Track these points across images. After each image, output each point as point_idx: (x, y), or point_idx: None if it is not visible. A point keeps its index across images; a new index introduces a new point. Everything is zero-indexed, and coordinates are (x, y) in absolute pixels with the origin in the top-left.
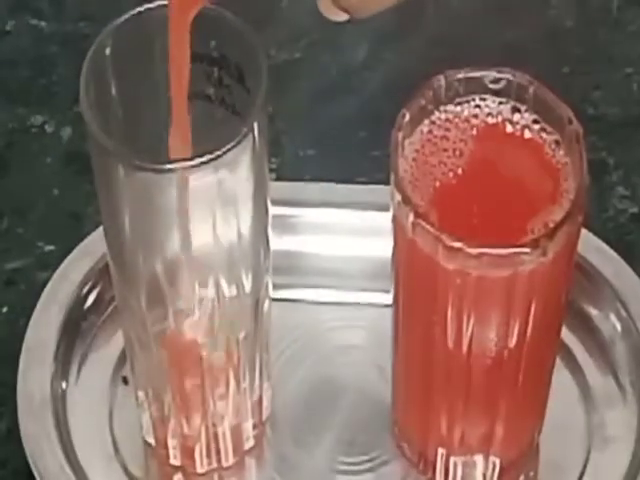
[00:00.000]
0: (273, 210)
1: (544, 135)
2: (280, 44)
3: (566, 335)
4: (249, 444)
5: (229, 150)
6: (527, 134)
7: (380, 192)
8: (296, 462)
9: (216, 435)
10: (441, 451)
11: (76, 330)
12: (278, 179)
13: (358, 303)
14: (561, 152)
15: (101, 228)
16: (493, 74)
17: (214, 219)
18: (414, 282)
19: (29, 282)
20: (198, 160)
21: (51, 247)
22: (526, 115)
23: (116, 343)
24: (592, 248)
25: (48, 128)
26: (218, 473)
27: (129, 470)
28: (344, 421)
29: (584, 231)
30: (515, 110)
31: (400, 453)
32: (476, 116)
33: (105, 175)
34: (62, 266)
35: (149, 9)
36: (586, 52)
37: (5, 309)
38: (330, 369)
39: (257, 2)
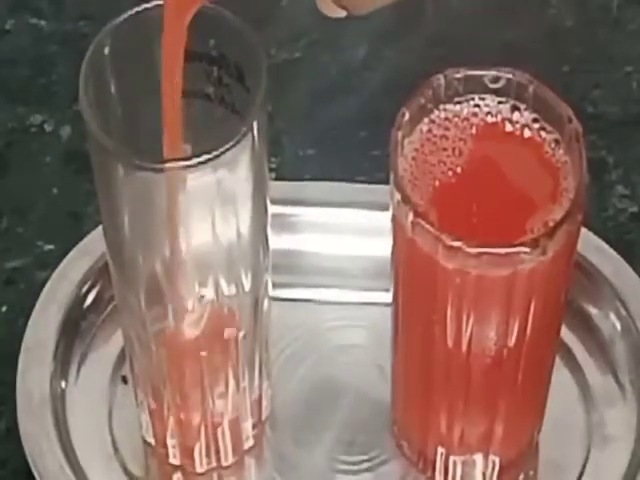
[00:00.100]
0: (272, 209)
1: (544, 134)
2: (280, 44)
3: (566, 334)
4: (249, 443)
5: (228, 149)
6: (527, 133)
7: (380, 191)
8: (296, 461)
9: (215, 434)
10: (441, 450)
11: (75, 329)
12: (278, 178)
13: (358, 302)
14: (561, 151)
15: (100, 227)
16: (493, 73)
17: (213, 218)
18: (414, 281)
19: (28, 281)
20: (197, 159)
21: (50, 246)
22: (526, 114)
23: (115, 342)
24: (592, 247)
25: (47, 127)
26: (217, 472)
27: (128, 469)
28: (344, 420)
29: (584, 230)
30: (515, 109)
31: (400, 452)
32: (476, 115)
33: (104, 174)
34: (61, 265)
35: (148, 9)
36: (586, 51)
37: (4, 308)
38: (330, 368)
39: (257, 1)
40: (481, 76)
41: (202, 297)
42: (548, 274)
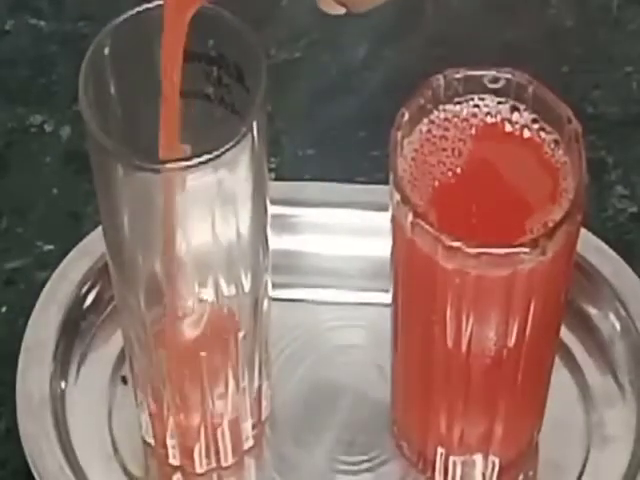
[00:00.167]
0: (272, 210)
1: (543, 134)
2: (280, 44)
3: (565, 334)
4: (248, 444)
5: (228, 150)
6: (526, 133)
7: (379, 192)
8: (295, 462)
9: (215, 435)
10: (440, 450)
11: (75, 330)
12: (277, 179)
13: (357, 303)
14: (560, 151)
15: (100, 228)
16: (492, 73)
17: (213, 218)
18: (413, 282)
19: (28, 282)
20: (197, 160)
21: (50, 247)
22: (525, 114)
23: (115, 343)
24: (591, 247)
25: (47, 127)
26: (217, 473)
27: (128, 470)
28: (343, 420)
29: (583, 230)
30: (514, 109)
31: (399, 452)
32: (475, 115)
33: (104, 174)
34: (61, 266)
35: (148, 9)
36: (586, 51)
37: (4, 309)
38: (329, 369)
39: (257, 1)
40: (481, 76)
41: (202, 297)
42: (548, 274)
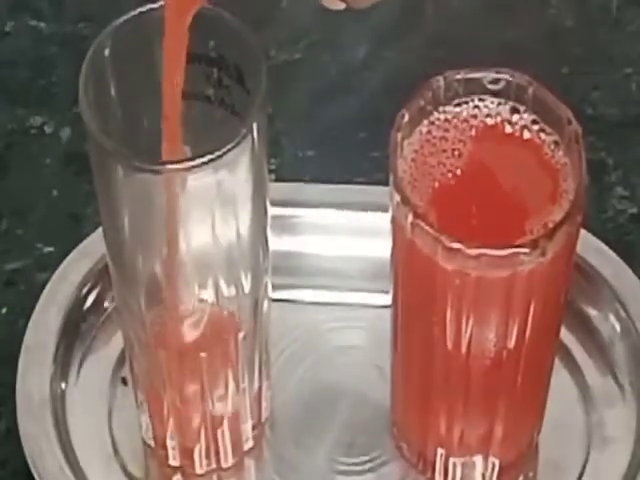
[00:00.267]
0: (272, 211)
1: (543, 136)
2: (280, 44)
3: (565, 335)
4: (248, 445)
5: (228, 151)
6: (526, 135)
7: (379, 193)
8: (295, 463)
9: (215, 436)
10: (440, 451)
11: (75, 331)
12: (277, 180)
13: (357, 304)
14: (560, 152)
15: (100, 229)
16: (492, 75)
17: (213, 220)
18: (413, 283)
19: (28, 283)
20: (197, 161)
21: (50, 248)
22: (525, 116)
23: (115, 344)
24: (591, 248)
25: (47, 129)
26: (217, 474)
27: (128, 470)
28: (343, 422)
29: (583, 231)
30: (514, 111)
31: (399, 453)
32: (475, 117)
33: (104, 176)
34: (61, 267)
35: (148, 10)
36: (586, 52)
37: (4, 310)
38: (329, 370)
39: (257, 2)
40: (480, 78)
41: (202, 298)
42: (548, 275)
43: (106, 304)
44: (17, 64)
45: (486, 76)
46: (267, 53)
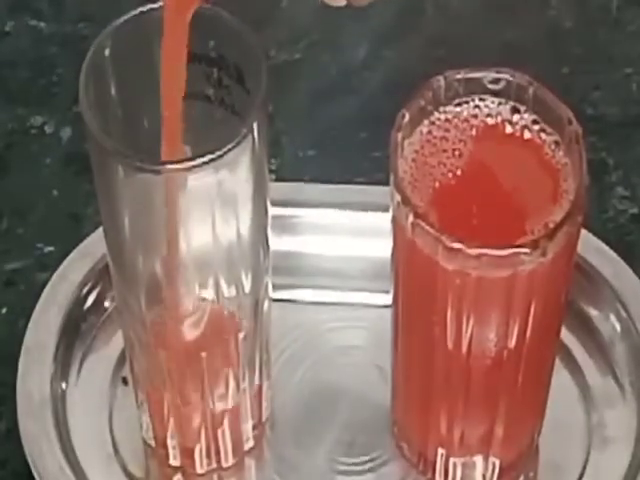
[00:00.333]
0: (273, 210)
1: (544, 136)
2: (280, 44)
3: (566, 336)
4: (249, 445)
5: (229, 151)
6: (527, 135)
7: (380, 193)
8: (296, 463)
9: (216, 435)
10: (441, 451)
11: (76, 331)
12: (278, 180)
13: (358, 304)
14: (561, 152)
15: (101, 229)
16: (492, 75)
17: (213, 219)
18: (414, 283)
19: (29, 283)
20: (198, 161)
21: (51, 248)
22: (525, 116)
23: (116, 344)
24: (592, 249)
25: (48, 129)
26: (218, 474)
27: (129, 470)
28: (344, 421)
29: (584, 231)
30: (514, 111)
31: (400, 453)
32: (475, 117)
33: (105, 176)
34: (62, 267)
35: (148, 10)
36: (586, 52)
37: (5, 310)
38: (330, 370)
39: (257, 2)
40: (481, 78)
41: (202, 298)
42: (548, 275)
43: (106, 304)
44: (17, 64)
45: (486, 76)
46: (267, 53)
